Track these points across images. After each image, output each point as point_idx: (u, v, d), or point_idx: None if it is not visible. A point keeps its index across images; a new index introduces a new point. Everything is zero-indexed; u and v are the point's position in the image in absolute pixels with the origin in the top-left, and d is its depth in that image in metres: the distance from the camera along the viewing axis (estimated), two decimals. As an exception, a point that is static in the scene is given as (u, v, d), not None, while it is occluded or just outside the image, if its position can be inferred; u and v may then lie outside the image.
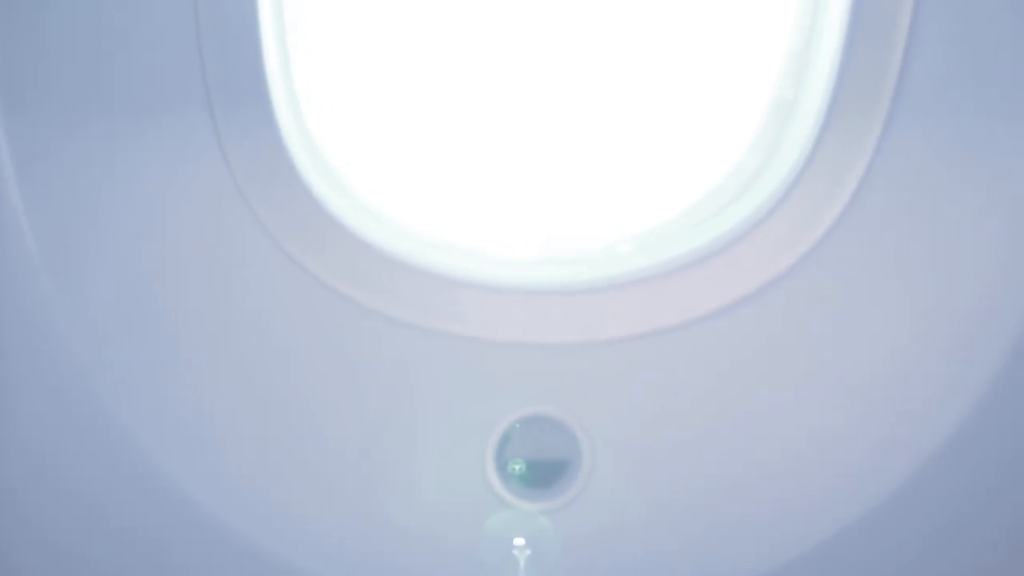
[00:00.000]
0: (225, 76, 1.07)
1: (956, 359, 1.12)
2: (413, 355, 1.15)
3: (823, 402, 1.14)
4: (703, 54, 1.18)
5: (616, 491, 1.16)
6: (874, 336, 1.13)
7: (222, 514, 1.15)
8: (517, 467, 1.17)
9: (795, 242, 1.11)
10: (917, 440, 1.12)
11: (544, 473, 1.17)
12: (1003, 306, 1.10)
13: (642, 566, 1.16)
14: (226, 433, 1.16)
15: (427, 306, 1.14)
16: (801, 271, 1.11)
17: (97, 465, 1.14)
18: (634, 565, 1.16)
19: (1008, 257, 1.10)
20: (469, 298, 1.14)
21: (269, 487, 1.16)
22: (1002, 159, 1.08)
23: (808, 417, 1.14)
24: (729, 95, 1.18)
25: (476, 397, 1.16)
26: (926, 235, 1.11)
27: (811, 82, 1.11)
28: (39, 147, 1.08)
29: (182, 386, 1.15)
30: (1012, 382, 1.11)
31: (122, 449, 1.13)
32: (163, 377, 1.14)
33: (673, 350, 1.14)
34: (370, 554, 1.17)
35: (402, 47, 1.18)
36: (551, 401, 1.16)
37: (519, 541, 1.16)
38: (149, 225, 1.12)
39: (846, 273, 1.12)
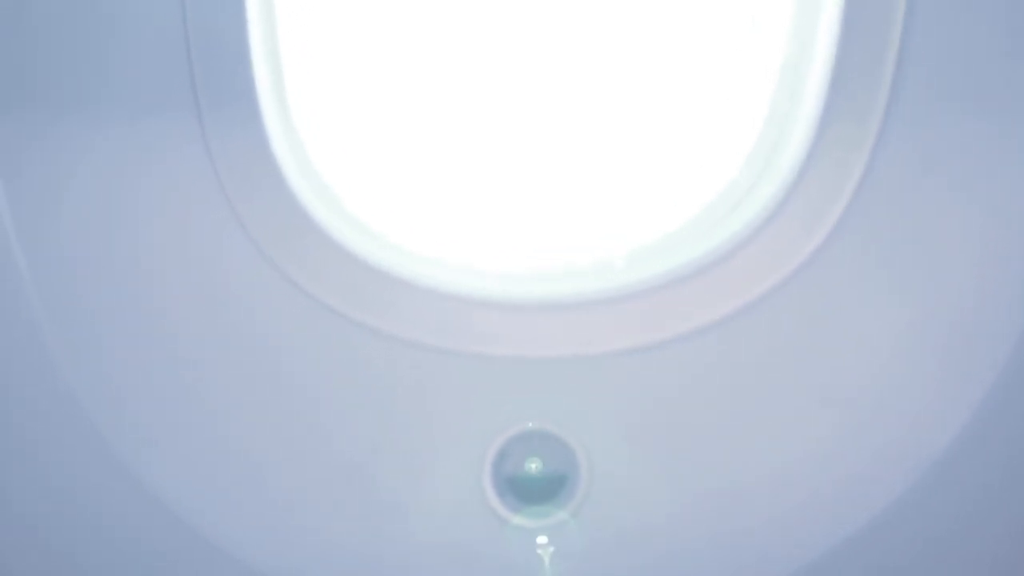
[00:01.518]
0: (213, 84, 1.06)
1: (952, 369, 1.12)
2: (408, 370, 1.14)
3: (819, 414, 1.14)
4: (698, 69, 1.18)
5: (614, 505, 1.16)
6: (868, 348, 1.13)
7: (215, 532, 1.14)
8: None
9: (789, 255, 1.11)
10: (915, 451, 1.12)
11: (542, 488, 1.17)
12: (998, 317, 1.10)
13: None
14: (216, 447, 1.15)
15: (421, 321, 1.14)
16: (796, 283, 1.11)
17: (86, 479, 1.13)
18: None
19: (1002, 268, 1.10)
20: (464, 313, 1.14)
21: (262, 504, 1.16)
22: (995, 171, 1.08)
23: (804, 429, 1.14)
24: (722, 110, 1.18)
25: (472, 412, 1.16)
26: (918, 248, 1.11)
27: (803, 96, 1.10)
28: (21, 146, 1.07)
29: (170, 401, 1.14)
30: (1009, 392, 1.11)
31: (107, 462, 1.12)
32: (150, 390, 1.13)
33: (670, 363, 1.14)
34: (367, 570, 1.16)
35: (396, 58, 1.18)
36: (548, 416, 1.16)
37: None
38: (132, 228, 1.11)
39: (840, 285, 1.12)
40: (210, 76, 1.06)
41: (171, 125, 1.07)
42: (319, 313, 1.13)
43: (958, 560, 1.15)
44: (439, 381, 1.15)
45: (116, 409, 1.12)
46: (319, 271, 1.12)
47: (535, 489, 1.16)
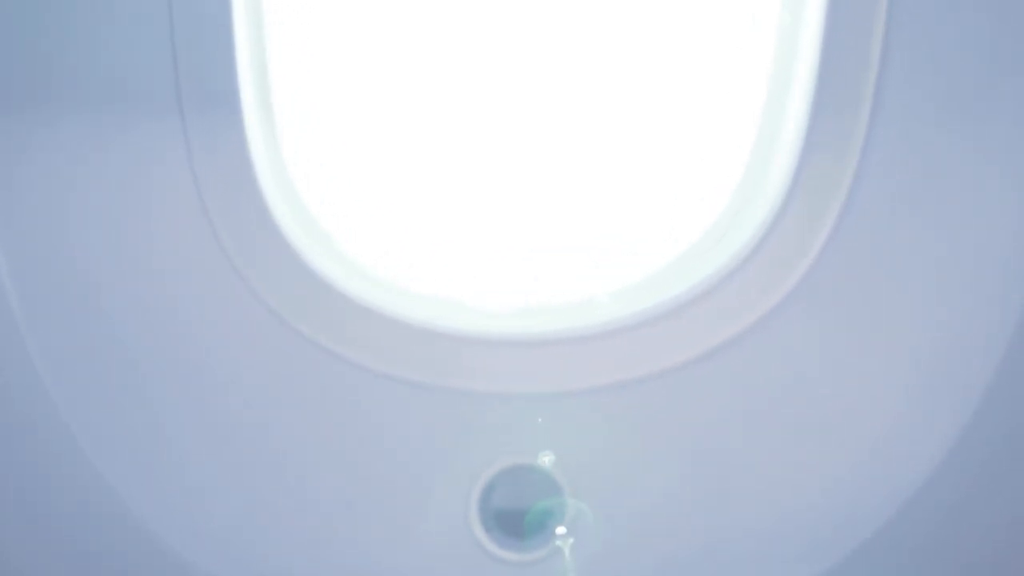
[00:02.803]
0: (198, 95, 1.07)
1: (932, 399, 1.13)
2: (393, 405, 1.16)
3: (800, 446, 1.15)
4: (680, 109, 1.19)
5: (600, 540, 1.16)
6: (849, 380, 1.14)
7: (203, 567, 1.15)
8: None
9: (770, 291, 1.12)
10: (895, 481, 1.13)
11: (528, 523, 1.17)
12: (976, 349, 1.11)
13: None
14: (204, 483, 1.16)
15: (407, 357, 1.15)
16: (777, 318, 1.12)
17: (71, 513, 1.14)
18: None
19: (980, 302, 1.11)
20: (450, 349, 1.15)
21: (251, 540, 1.16)
22: (971, 203, 1.10)
23: (788, 461, 1.15)
24: (703, 151, 1.20)
25: (459, 448, 1.17)
26: (896, 281, 1.12)
27: (782, 132, 1.12)
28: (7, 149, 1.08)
29: (157, 435, 1.15)
30: (986, 421, 1.12)
31: (96, 495, 1.14)
32: (136, 423, 1.14)
33: (653, 398, 1.15)
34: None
35: (383, 104, 1.20)
36: (535, 451, 1.17)
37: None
38: (110, 236, 1.12)
39: (822, 319, 1.13)
40: (196, 89, 1.07)
41: (155, 138, 1.08)
42: (303, 347, 1.14)
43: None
44: (425, 417, 1.16)
45: (97, 428, 1.13)
46: (304, 306, 1.13)
47: (522, 523, 1.17)
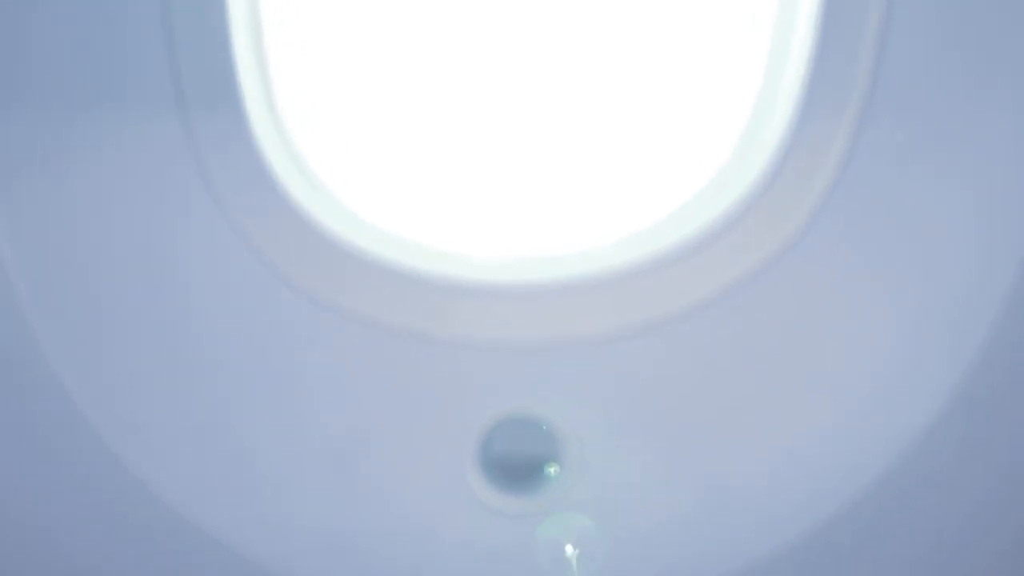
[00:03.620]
0: (195, 73, 1.06)
1: (938, 347, 1.12)
2: (393, 357, 1.14)
3: (806, 394, 1.14)
4: (684, 58, 1.17)
5: (601, 489, 1.15)
6: (854, 327, 1.13)
7: (199, 517, 1.14)
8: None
9: (774, 237, 1.11)
10: (900, 429, 1.12)
11: (528, 474, 1.16)
12: (984, 295, 1.10)
13: (630, 562, 1.15)
14: (206, 441, 1.15)
15: (406, 307, 1.13)
16: (781, 265, 1.11)
17: (72, 474, 1.13)
18: (622, 561, 1.15)
19: (988, 248, 1.10)
20: (449, 298, 1.14)
21: (243, 491, 1.15)
22: (982, 148, 1.08)
23: (792, 409, 1.14)
24: (706, 96, 1.18)
25: (458, 399, 1.15)
26: (904, 227, 1.11)
27: (786, 75, 1.10)
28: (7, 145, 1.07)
29: (159, 393, 1.14)
30: (992, 371, 1.11)
31: (97, 456, 1.13)
32: (140, 383, 1.13)
33: (656, 346, 1.13)
34: (353, 556, 1.16)
35: (377, 44, 1.17)
36: (535, 401, 1.15)
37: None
38: (118, 229, 1.11)
39: (827, 265, 1.12)
40: (191, 56, 1.05)
41: (151, 113, 1.07)
42: (303, 301, 1.13)
43: (941, 536, 1.15)
44: (424, 367, 1.15)
45: (103, 397, 1.12)
46: (302, 259, 1.12)
47: (521, 475, 1.16)
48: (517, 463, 1.16)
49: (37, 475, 1.14)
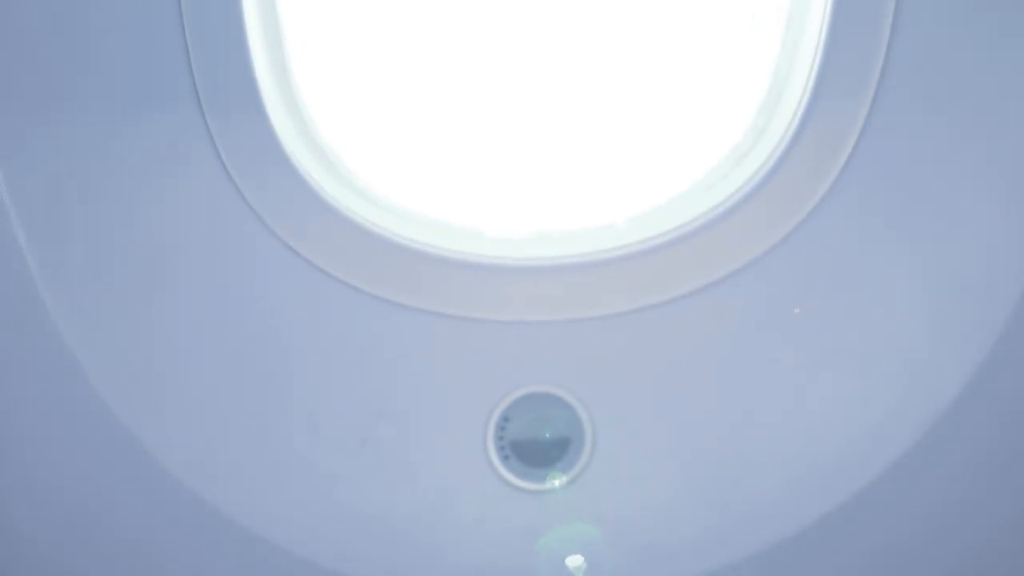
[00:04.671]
0: (211, 65, 1.06)
1: (957, 322, 1.11)
2: (410, 335, 1.14)
3: (824, 371, 1.14)
4: (700, 36, 1.17)
5: (619, 467, 1.15)
6: (872, 301, 1.12)
7: (218, 503, 1.14)
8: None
9: (790, 212, 1.11)
10: (920, 406, 1.12)
11: (547, 452, 1.16)
12: (1003, 269, 1.10)
13: (648, 540, 1.15)
14: (222, 421, 1.15)
15: (423, 285, 1.13)
16: (797, 240, 1.11)
17: (88, 456, 1.13)
18: (639, 540, 1.15)
19: (1007, 221, 1.10)
20: (466, 276, 1.14)
21: (262, 472, 1.15)
22: (999, 120, 1.08)
23: (810, 384, 1.14)
24: (720, 74, 1.18)
25: (475, 377, 1.15)
26: (920, 202, 1.10)
27: (801, 50, 1.10)
28: (21, 138, 1.06)
29: (177, 375, 1.14)
30: (1012, 347, 1.10)
31: (113, 439, 1.12)
32: (158, 366, 1.13)
33: (673, 323, 1.13)
34: (370, 533, 1.16)
35: (396, 26, 1.17)
36: (552, 379, 1.15)
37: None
38: (137, 215, 1.11)
39: (843, 240, 1.11)
40: (205, 45, 1.05)
41: (174, 117, 1.07)
42: (318, 279, 1.12)
43: (963, 515, 1.14)
44: (441, 346, 1.14)
45: (117, 372, 1.12)
46: (318, 236, 1.12)
47: (539, 452, 1.16)
48: (536, 440, 1.16)
49: (60, 463, 1.14)
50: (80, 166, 1.08)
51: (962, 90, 1.07)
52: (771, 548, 1.14)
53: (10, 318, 1.09)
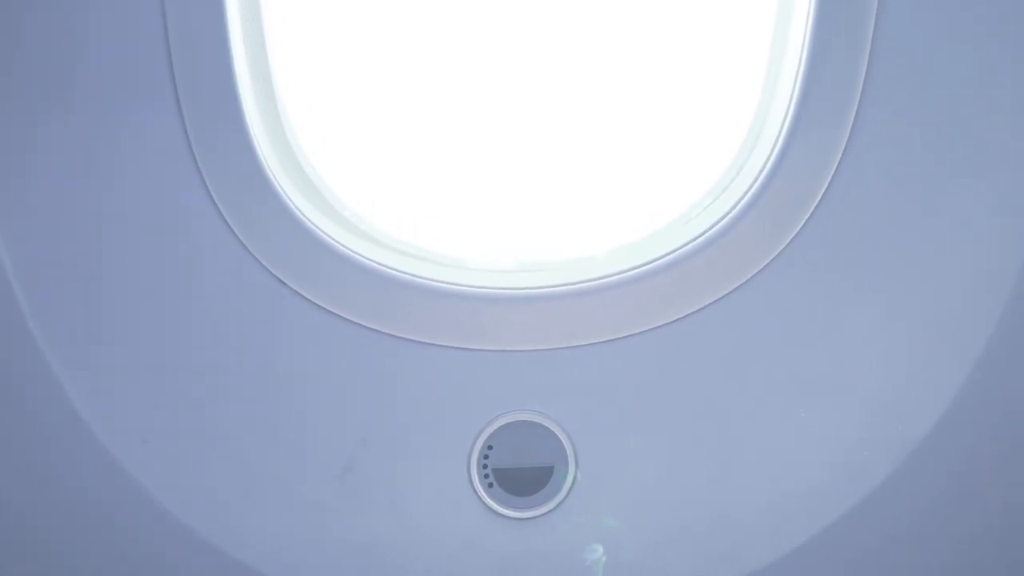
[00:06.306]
0: (194, 83, 1.07)
1: (932, 356, 1.14)
2: (394, 366, 1.15)
3: (803, 399, 1.16)
4: (680, 68, 1.20)
5: (601, 495, 1.16)
6: (847, 335, 1.15)
7: (204, 531, 1.14)
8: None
9: (766, 246, 1.13)
10: (896, 437, 1.14)
11: (530, 479, 1.17)
12: (976, 305, 1.12)
13: (631, 567, 1.16)
14: (205, 447, 1.15)
15: (407, 316, 1.14)
16: (773, 273, 1.13)
17: (74, 472, 1.13)
18: (623, 566, 1.16)
19: (980, 257, 1.12)
20: (450, 307, 1.15)
21: (248, 503, 1.16)
22: (977, 154, 1.11)
23: (789, 414, 1.16)
24: (703, 102, 1.20)
25: (459, 405, 1.16)
26: (895, 237, 1.13)
27: (778, 92, 1.13)
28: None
29: (161, 402, 1.14)
30: (987, 378, 1.13)
31: (97, 461, 1.13)
32: (139, 389, 1.14)
33: (653, 353, 1.15)
34: (357, 562, 1.16)
35: (381, 60, 1.19)
36: (535, 407, 1.16)
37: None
38: (126, 244, 1.12)
39: (821, 271, 1.14)
40: (188, 54, 1.06)
41: (155, 123, 1.08)
42: (302, 307, 1.13)
43: (938, 542, 1.16)
44: (425, 374, 1.15)
45: (105, 404, 1.12)
46: (302, 265, 1.13)
47: (523, 480, 1.17)
48: (520, 468, 1.17)
49: (39, 484, 1.14)
50: (68, 184, 1.09)
51: (933, 138, 1.10)
52: (753, 573, 1.16)
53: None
